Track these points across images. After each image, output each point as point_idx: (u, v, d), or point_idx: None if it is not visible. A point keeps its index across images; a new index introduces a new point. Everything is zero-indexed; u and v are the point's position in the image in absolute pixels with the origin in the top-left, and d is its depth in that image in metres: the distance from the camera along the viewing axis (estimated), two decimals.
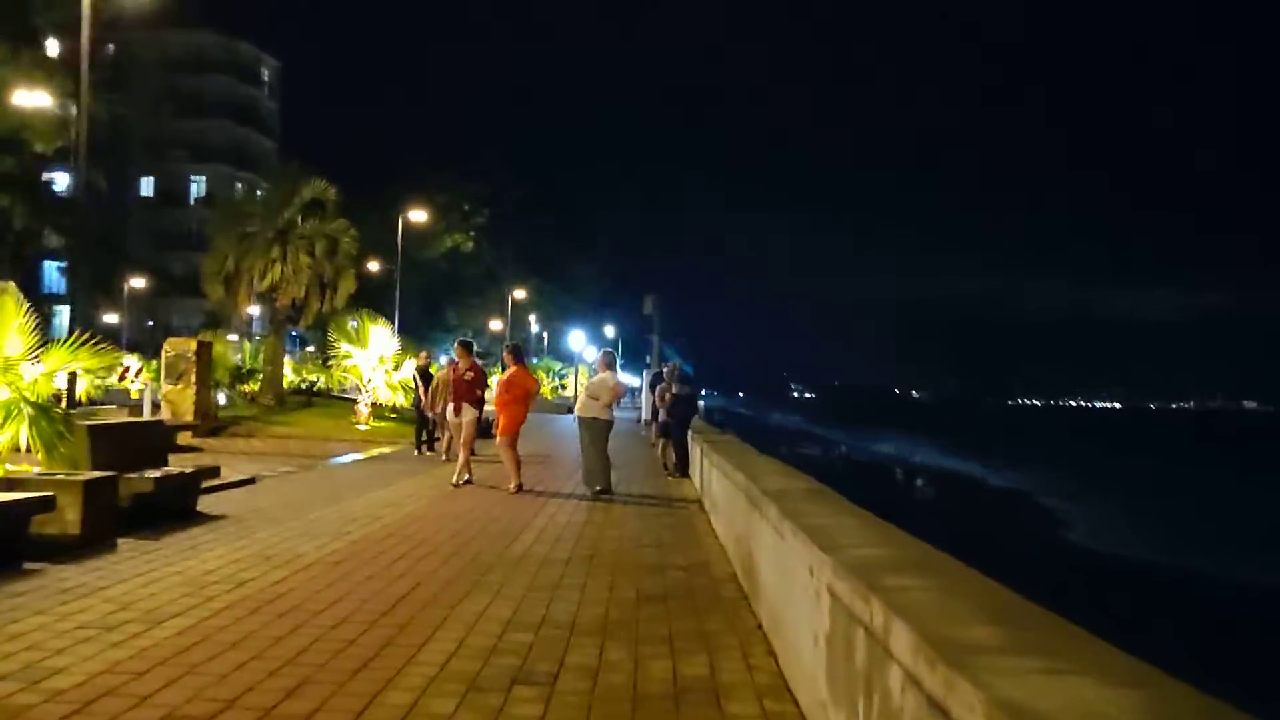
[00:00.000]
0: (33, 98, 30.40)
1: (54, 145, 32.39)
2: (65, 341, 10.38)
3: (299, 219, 27.15)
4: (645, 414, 37.81)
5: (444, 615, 6.00)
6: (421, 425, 18.70)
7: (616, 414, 13.82)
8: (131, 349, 33.44)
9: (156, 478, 9.11)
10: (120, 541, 8.08)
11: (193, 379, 20.90)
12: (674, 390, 15.86)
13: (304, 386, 28.99)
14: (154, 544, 8.08)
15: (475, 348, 13.50)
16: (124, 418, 21.40)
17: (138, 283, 64.82)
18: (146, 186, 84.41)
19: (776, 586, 5.44)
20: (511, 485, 12.77)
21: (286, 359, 32.13)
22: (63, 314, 74.01)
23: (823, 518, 5.01)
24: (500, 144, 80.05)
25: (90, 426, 9.17)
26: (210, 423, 21.79)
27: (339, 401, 28.67)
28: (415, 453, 18.21)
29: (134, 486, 8.87)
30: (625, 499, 12.70)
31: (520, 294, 74.35)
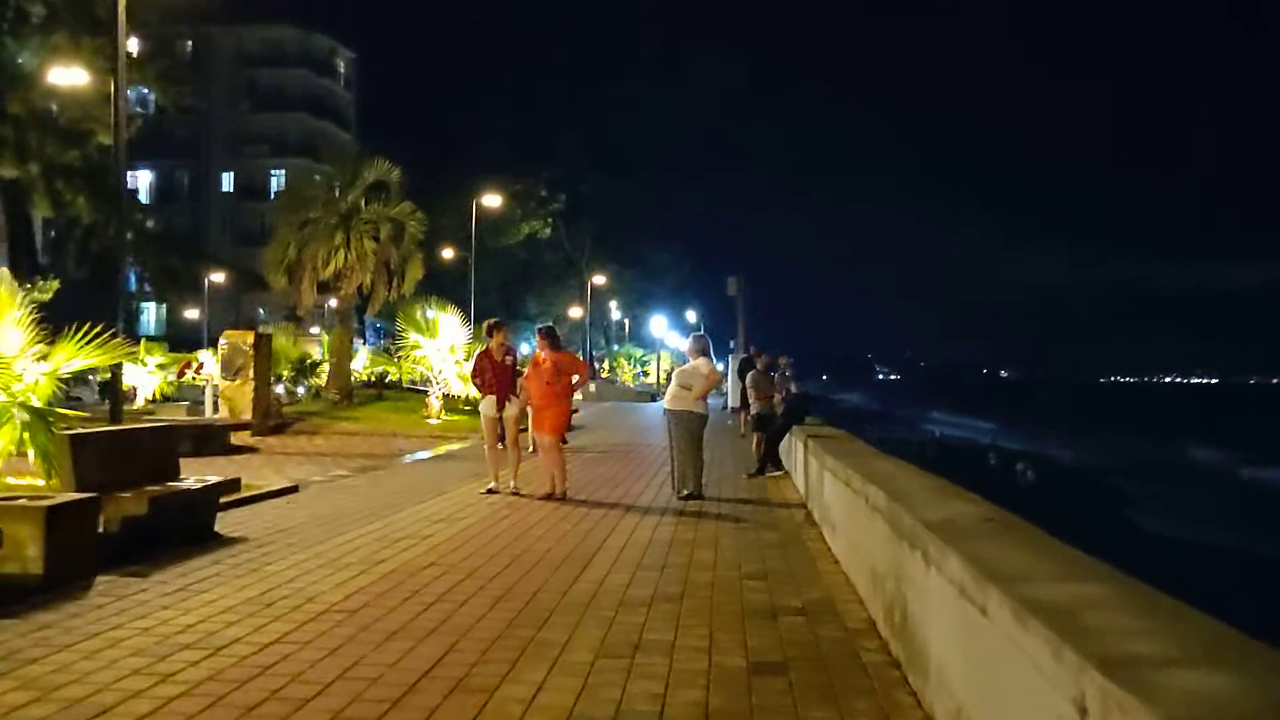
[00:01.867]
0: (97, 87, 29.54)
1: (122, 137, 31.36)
2: (73, 336, 8.95)
3: (362, 203, 25.82)
4: (732, 401, 35.99)
5: (477, 706, 4.27)
6: None
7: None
8: (214, 345, 32.54)
9: (154, 496, 7.55)
10: (99, 580, 6.53)
11: (251, 374, 19.60)
12: (792, 389, 14.00)
13: (374, 380, 27.75)
14: (138, 583, 6.51)
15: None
16: (181, 416, 20.23)
17: (219, 278, 64.69)
18: (227, 182, 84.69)
19: (972, 678, 3.59)
20: (556, 490, 11.08)
21: (363, 350, 31.04)
22: (149, 311, 74.35)
23: (1051, 583, 3.15)
24: (579, 129, 77.96)
25: (73, 436, 7.64)
26: (271, 420, 20.50)
27: (412, 394, 27.30)
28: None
29: (124, 508, 7.32)
30: (718, 505, 10.90)
31: (600, 280, 72.80)
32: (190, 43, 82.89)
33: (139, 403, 25.17)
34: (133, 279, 71.85)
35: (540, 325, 11.52)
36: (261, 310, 69.37)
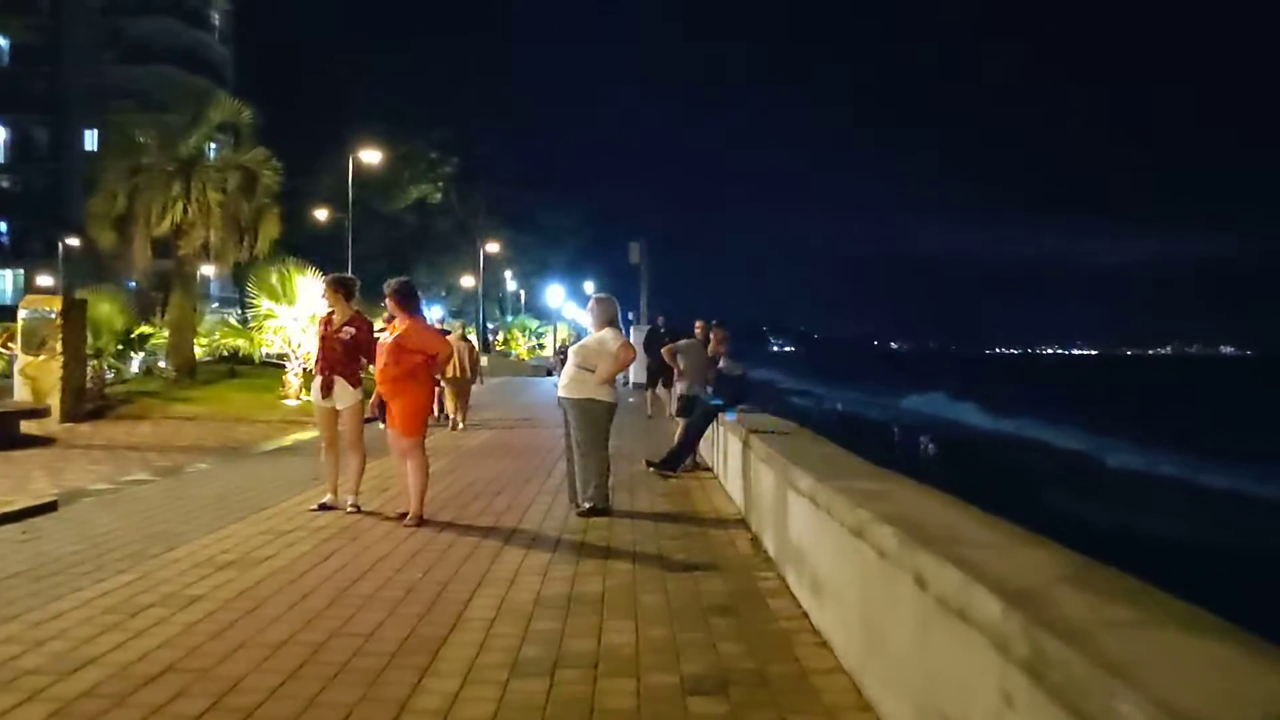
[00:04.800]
0: None
1: None
2: None
3: (208, 149, 22.26)
4: (635, 377, 33.30)
5: None
6: None
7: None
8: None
9: None
10: None
11: (58, 348, 16.14)
12: (723, 365, 11.21)
13: (228, 354, 24.30)
14: None
15: (356, 287, 8.49)
16: None
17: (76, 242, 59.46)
18: (91, 140, 78.57)
19: None
20: (409, 515, 8.10)
21: (210, 319, 27.43)
22: (3, 278, 68.63)
23: None
24: (472, 86, 74.30)
25: None
26: (88, 403, 17.07)
27: (271, 371, 23.93)
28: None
29: None
30: (631, 524, 8.12)
31: (494, 248, 69.42)
32: None
33: None
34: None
35: (392, 281, 8.46)
36: (134, 280, 64.18)
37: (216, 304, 49.39)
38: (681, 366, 11.87)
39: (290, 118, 51.47)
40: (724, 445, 10.40)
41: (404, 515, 8.10)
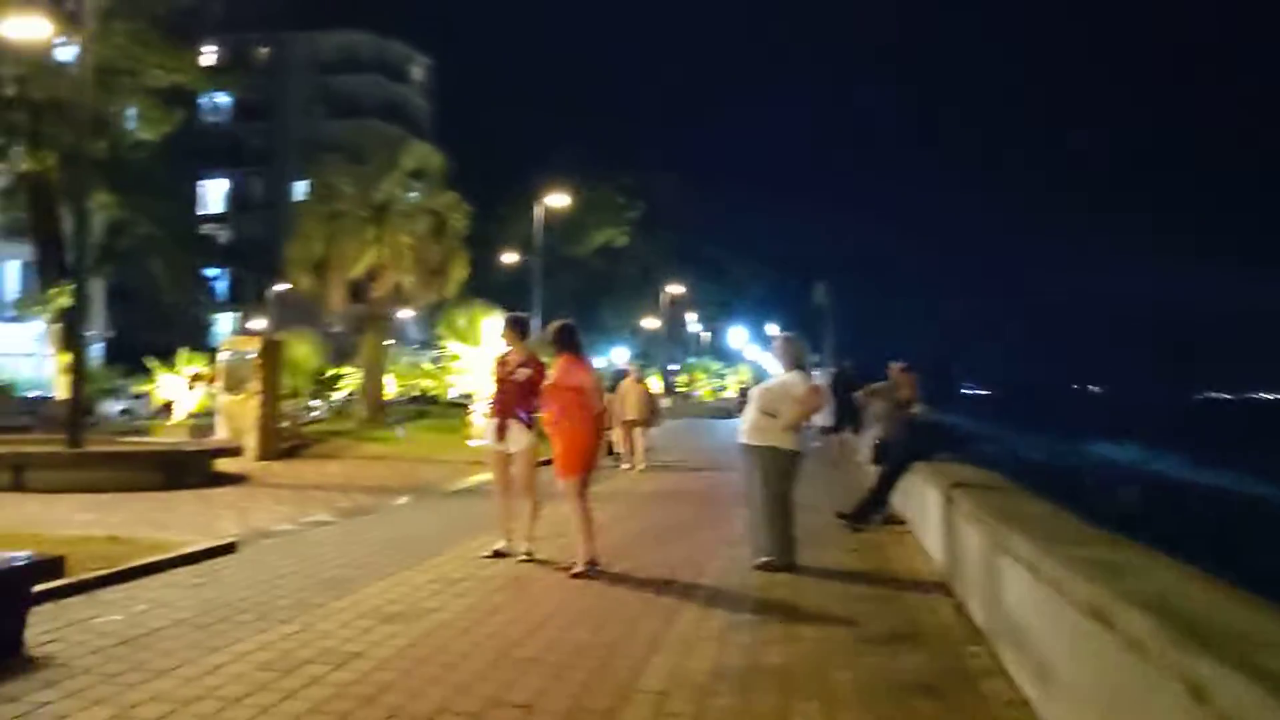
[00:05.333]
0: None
1: (159, 132, 28.99)
2: None
3: (399, 194, 22.86)
4: (823, 419, 32.32)
5: None
6: None
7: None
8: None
9: None
10: None
11: (257, 388, 16.66)
12: (916, 411, 10.42)
13: (418, 395, 24.79)
14: None
15: (528, 327, 8.16)
16: (181, 438, 17.38)
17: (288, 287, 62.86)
18: (300, 191, 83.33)
19: None
20: (578, 563, 7.69)
21: (404, 360, 28.12)
22: (221, 321, 73.08)
23: None
24: (659, 136, 75.18)
25: None
26: (284, 442, 17.55)
27: (460, 410, 24.23)
28: None
29: None
30: (817, 583, 7.46)
31: (677, 290, 69.55)
32: (267, 49, 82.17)
33: (177, 419, 22.39)
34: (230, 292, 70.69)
35: (553, 324, 8.16)
36: (339, 322, 67.36)
37: (416, 346, 51.11)
38: (876, 411, 11.11)
39: (481, 166, 53.14)
40: (921, 497, 9.59)
41: (573, 568, 7.71)
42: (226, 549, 8.27)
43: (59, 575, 5.33)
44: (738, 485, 15.15)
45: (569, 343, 7.94)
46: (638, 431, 17.40)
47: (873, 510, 10.50)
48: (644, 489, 14.16)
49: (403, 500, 12.30)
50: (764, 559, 7.97)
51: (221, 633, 5.67)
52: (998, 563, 5.49)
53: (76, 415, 13.54)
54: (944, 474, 8.63)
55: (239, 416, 16.65)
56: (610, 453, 17.63)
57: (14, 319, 38.92)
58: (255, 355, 16.71)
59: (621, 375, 18.74)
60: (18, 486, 11.83)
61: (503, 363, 8.41)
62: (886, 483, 10.49)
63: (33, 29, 17.89)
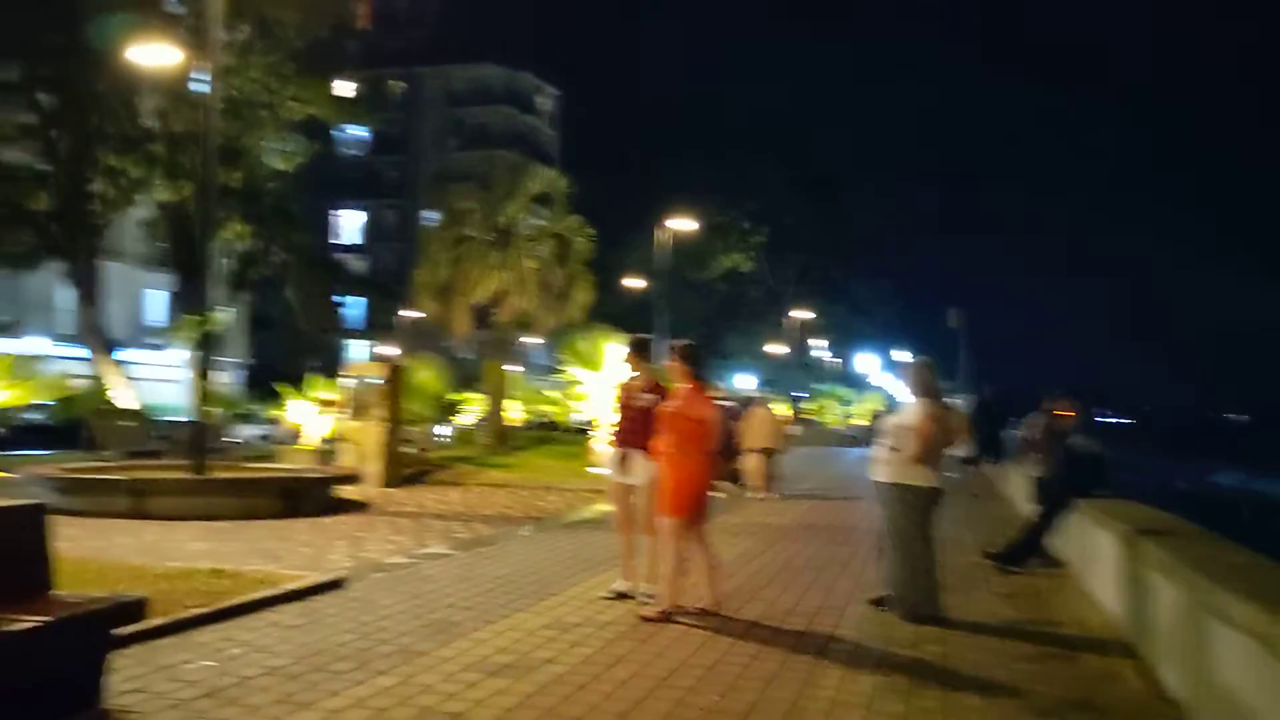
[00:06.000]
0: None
1: (294, 163, 29.62)
2: None
3: (523, 218, 22.64)
4: (962, 451, 30.92)
5: None
6: None
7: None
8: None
9: None
10: None
11: (381, 413, 16.50)
12: (1075, 442, 9.44)
13: (541, 421, 24.52)
14: None
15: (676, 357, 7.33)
16: (307, 464, 17.32)
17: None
18: (432, 220, 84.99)
19: None
20: (655, 604, 7.05)
21: (525, 386, 27.90)
22: (351, 347, 74.87)
23: None
24: (784, 161, 74.06)
25: None
26: (406, 468, 17.35)
27: (583, 436, 23.83)
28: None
29: None
30: (964, 639, 6.62)
31: (805, 315, 68.35)
32: (402, 84, 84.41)
33: (306, 443, 22.54)
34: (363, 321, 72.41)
35: (679, 342, 7.53)
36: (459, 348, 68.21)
37: (543, 372, 51.30)
38: (1033, 443, 10.17)
39: (607, 193, 53.20)
40: (1087, 539, 8.61)
41: (703, 610, 7.05)
42: (333, 585, 7.85)
43: (139, 618, 4.93)
44: (872, 517, 14.30)
45: (694, 366, 7.29)
46: (768, 460, 16.70)
47: (1028, 551, 9.56)
48: (775, 521, 13.39)
49: (522, 531, 11.81)
50: (904, 610, 7.18)
51: (315, 684, 5.19)
52: (1205, 626, 4.61)
53: (201, 441, 13.50)
54: (1114, 514, 7.69)
55: (363, 442, 16.50)
56: (736, 481, 16.96)
57: (159, 346, 40.38)
58: (379, 381, 16.56)
59: (750, 402, 18.10)
60: (139, 513, 11.75)
61: (626, 389, 7.84)
62: (1045, 521, 9.53)
63: (165, 57, 18.20)
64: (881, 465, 7.53)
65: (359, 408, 16.68)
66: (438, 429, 22.61)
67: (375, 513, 13.35)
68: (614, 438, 7.82)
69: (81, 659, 4.58)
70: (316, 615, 6.88)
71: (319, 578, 7.97)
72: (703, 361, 7.36)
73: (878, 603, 7.42)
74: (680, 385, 7.23)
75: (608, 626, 6.71)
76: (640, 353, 7.63)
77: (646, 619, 6.87)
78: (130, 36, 19.55)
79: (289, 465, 16.11)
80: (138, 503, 11.87)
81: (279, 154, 28.98)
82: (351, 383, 16.86)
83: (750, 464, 16.80)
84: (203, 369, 13.99)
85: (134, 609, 4.83)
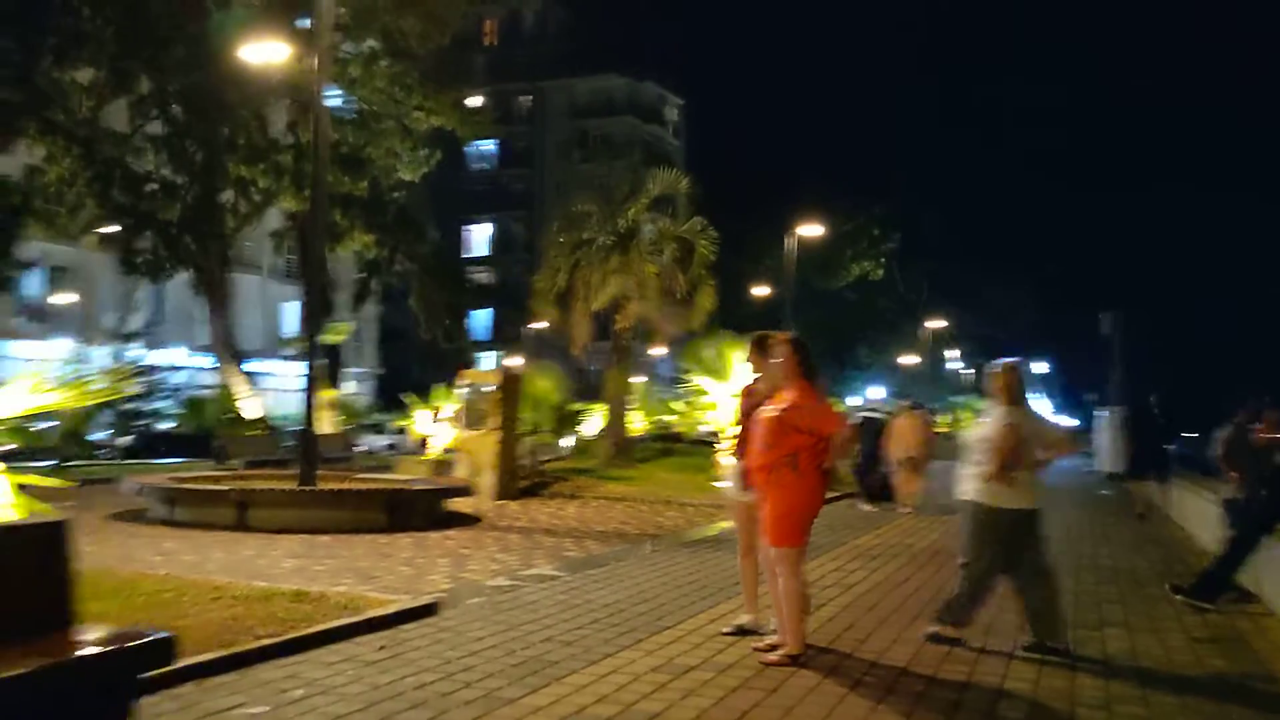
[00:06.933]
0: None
1: (418, 173, 29.53)
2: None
3: (643, 220, 21.80)
4: (1110, 464, 28.92)
5: None
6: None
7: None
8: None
9: None
10: None
11: (495, 423, 15.85)
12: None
13: (663, 432, 23.66)
14: None
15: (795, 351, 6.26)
16: (424, 475, 16.81)
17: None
18: None
19: None
20: (777, 647, 6.03)
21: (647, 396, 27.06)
22: (484, 359, 75.77)
23: None
24: (914, 165, 72.15)
25: None
26: (523, 479, 16.66)
27: (707, 448, 22.87)
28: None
29: None
30: (1181, 704, 5.41)
31: (938, 325, 66.02)
32: (528, 98, 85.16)
33: (431, 454, 22.18)
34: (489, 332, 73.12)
35: (783, 333, 6.56)
36: (593, 360, 67.98)
37: (669, 382, 50.50)
38: (1228, 460, 8.81)
39: (734, 202, 52.18)
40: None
41: (772, 647, 6.04)
42: (425, 611, 7.06)
43: (168, 661, 4.18)
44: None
45: (803, 363, 6.22)
46: (915, 472, 15.58)
47: (1221, 586, 8.18)
48: (921, 543, 12.16)
49: (637, 551, 10.89)
50: (935, 629, 6.57)
51: None
52: None
53: (309, 452, 13.01)
54: None
55: (477, 453, 15.88)
56: (885, 498, 15.86)
57: (291, 356, 41.00)
58: (494, 389, 15.92)
59: (897, 410, 16.98)
60: (241, 525, 11.29)
61: (749, 393, 6.85)
62: (1241, 550, 8.16)
63: (277, 57, 18.06)
64: (966, 482, 6.67)
65: (473, 417, 16.07)
66: (561, 440, 21.92)
67: (485, 528, 12.63)
68: (736, 449, 6.84)
69: (92, 709, 3.83)
70: (400, 648, 6.08)
71: (409, 603, 7.19)
72: (813, 363, 6.26)
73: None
74: (788, 386, 6.17)
75: (728, 671, 5.73)
76: (765, 351, 6.59)
77: (772, 664, 5.86)
78: (255, 47, 19.51)
79: (401, 476, 15.57)
80: (240, 514, 11.40)
81: (404, 164, 28.90)
82: (465, 391, 16.24)
83: (900, 477, 15.70)
84: (311, 379, 13.51)
85: (161, 649, 4.06)
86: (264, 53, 18.63)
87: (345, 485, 13.12)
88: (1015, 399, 6.67)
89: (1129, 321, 37.20)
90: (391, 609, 6.94)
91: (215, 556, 9.47)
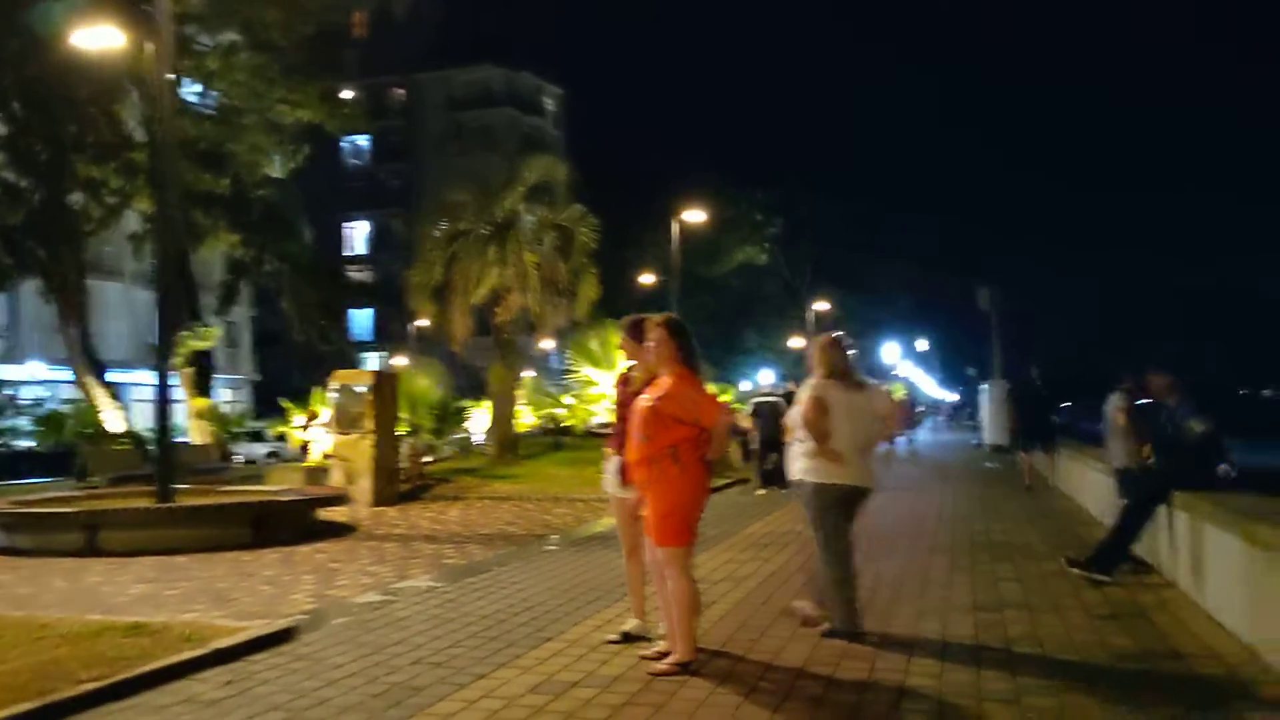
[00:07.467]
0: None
1: (285, 170, 28.33)
2: None
3: (522, 209, 21.15)
4: (992, 436, 29.42)
5: None
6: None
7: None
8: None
9: None
10: None
11: (369, 426, 15.09)
12: (1193, 424, 7.83)
13: (552, 426, 23.10)
14: None
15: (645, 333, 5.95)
16: (293, 482, 15.95)
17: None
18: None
19: None
20: (666, 654, 5.60)
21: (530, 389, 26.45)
22: (369, 361, 73.82)
23: None
24: (793, 149, 72.93)
25: None
26: (404, 483, 15.95)
27: (597, 441, 22.41)
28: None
29: None
30: (1084, 690, 5.12)
31: (823, 308, 66.75)
32: (402, 91, 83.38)
33: (308, 460, 21.13)
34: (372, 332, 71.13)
35: (657, 315, 6.12)
36: (480, 357, 66.71)
37: (560, 375, 49.79)
38: (1122, 429, 8.66)
39: (617, 191, 51.70)
40: (1194, 539, 7.08)
41: (661, 655, 5.61)
42: (280, 637, 6.42)
43: None
44: (923, 515, 12.79)
45: (681, 346, 5.73)
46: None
47: (1118, 556, 8.03)
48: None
49: (522, 553, 10.34)
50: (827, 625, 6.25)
51: None
52: None
53: (166, 467, 12.10)
54: (1239, 511, 6.18)
55: (353, 458, 15.10)
56: (778, 483, 15.48)
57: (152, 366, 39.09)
58: (366, 391, 15.14)
59: (792, 395, 16.73)
60: (92, 549, 10.35)
61: (625, 382, 6.37)
62: (1136, 520, 8.00)
63: (110, 43, 16.91)
64: (795, 460, 6.52)
65: (346, 421, 15.27)
66: (445, 440, 21.16)
67: (360, 537, 11.92)
68: (612, 441, 6.36)
69: None
70: (248, 682, 5.44)
71: (262, 629, 6.53)
72: (693, 347, 5.80)
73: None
74: (665, 372, 5.70)
75: (612, 686, 5.24)
76: (640, 336, 6.09)
77: (660, 674, 5.40)
78: (87, 33, 18.22)
79: (270, 487, 14.70)
80: (89, 538, 10.47)
81: (270, 160, 27.70)
82: (336, 394, 15.42)
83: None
84: (163, 388, 12.60)
85: None
86: (96, 39, 17.37)
87: (208, 500, 12.24)
88: (834, 372, 6.48)
89: (1006, 297, 37.95)
90: (241, 638, 6.26)
91: (55, 587, 8.60)
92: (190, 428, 25.47)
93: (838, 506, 6.31)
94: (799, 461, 6.46)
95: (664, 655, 5.59)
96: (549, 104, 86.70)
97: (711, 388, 6.76)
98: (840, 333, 7.12)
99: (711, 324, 61.03)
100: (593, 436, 22.56)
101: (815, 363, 6.58)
